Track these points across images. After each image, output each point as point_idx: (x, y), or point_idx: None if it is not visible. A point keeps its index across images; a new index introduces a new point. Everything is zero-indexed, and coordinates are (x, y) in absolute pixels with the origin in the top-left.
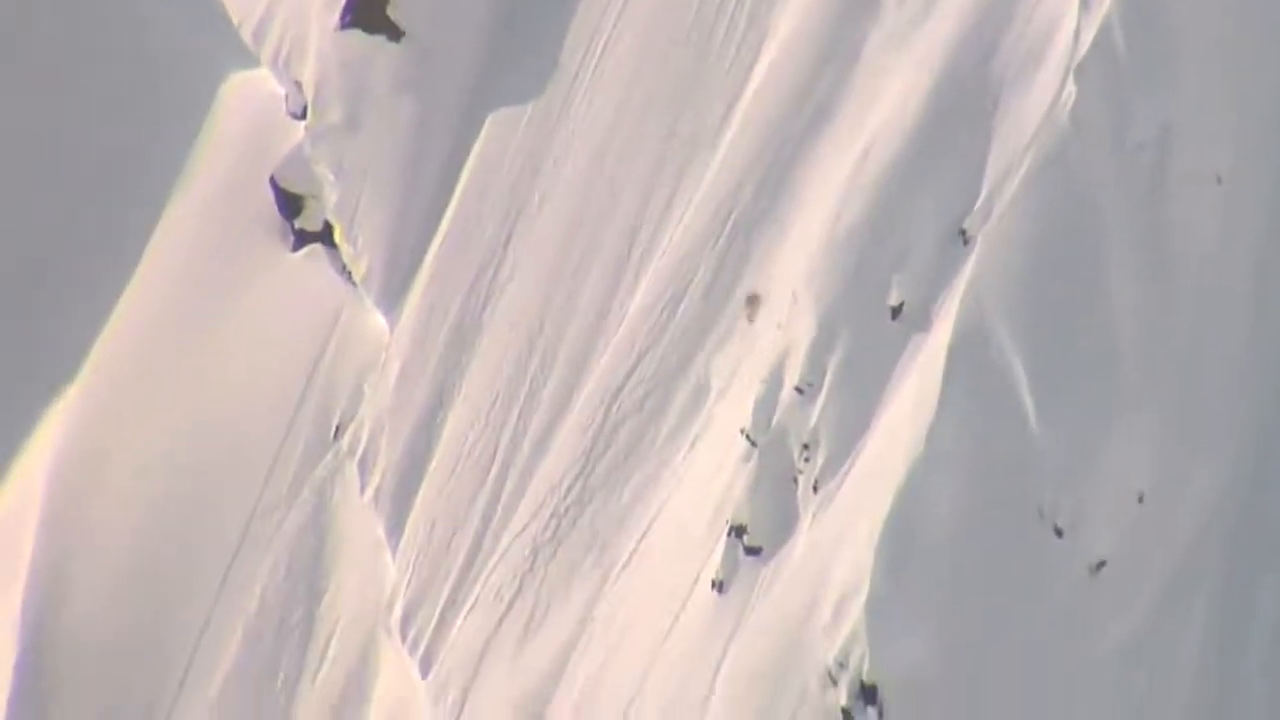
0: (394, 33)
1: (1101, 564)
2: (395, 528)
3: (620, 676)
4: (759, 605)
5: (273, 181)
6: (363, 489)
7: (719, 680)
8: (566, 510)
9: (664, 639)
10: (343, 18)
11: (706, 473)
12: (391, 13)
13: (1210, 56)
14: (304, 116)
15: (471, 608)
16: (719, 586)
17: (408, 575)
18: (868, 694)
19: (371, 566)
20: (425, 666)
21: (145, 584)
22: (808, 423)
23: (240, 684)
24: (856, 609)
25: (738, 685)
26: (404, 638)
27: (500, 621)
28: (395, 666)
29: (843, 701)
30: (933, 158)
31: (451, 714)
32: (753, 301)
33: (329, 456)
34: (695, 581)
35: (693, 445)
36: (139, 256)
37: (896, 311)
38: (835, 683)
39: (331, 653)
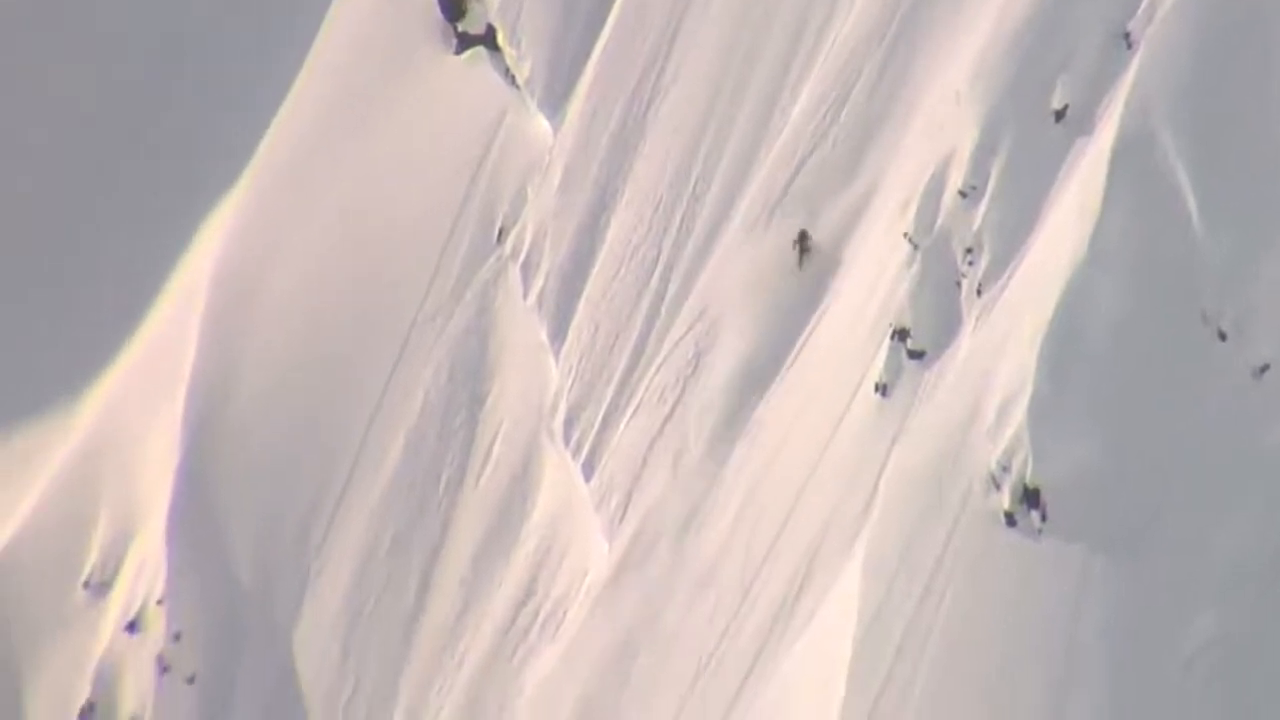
0: None
1: (1265, 368)
2: (558, 332)
3: (782, 480)
4: (922, 409)
5: None
6: (525, 293)
7: (881, 483)
8: None
9: (827, 443)
10: None
11: (869, 277)
12: None
13: None
14: None
15: (634, 412)
16: (882, 390)
17: (570, 379)
18: (1030, 497)
19: (534, 370)
20: (588, 471)
21: (307, 390)
22: (971, 226)
23: (402, 488)
24: (1019, 412)
25: (900, 488)
26: (567, 442)
27: (663, 425)
28: (558, 470)
29: (1006, 505)
30: None
31: (615, 518)
32: (914, 106)
33: (492, 260)
34: (858, 385)
35: (855, 250)
36: (301, 62)
37: (1060, 115)
38: (998, 486)
39: (494, 457)
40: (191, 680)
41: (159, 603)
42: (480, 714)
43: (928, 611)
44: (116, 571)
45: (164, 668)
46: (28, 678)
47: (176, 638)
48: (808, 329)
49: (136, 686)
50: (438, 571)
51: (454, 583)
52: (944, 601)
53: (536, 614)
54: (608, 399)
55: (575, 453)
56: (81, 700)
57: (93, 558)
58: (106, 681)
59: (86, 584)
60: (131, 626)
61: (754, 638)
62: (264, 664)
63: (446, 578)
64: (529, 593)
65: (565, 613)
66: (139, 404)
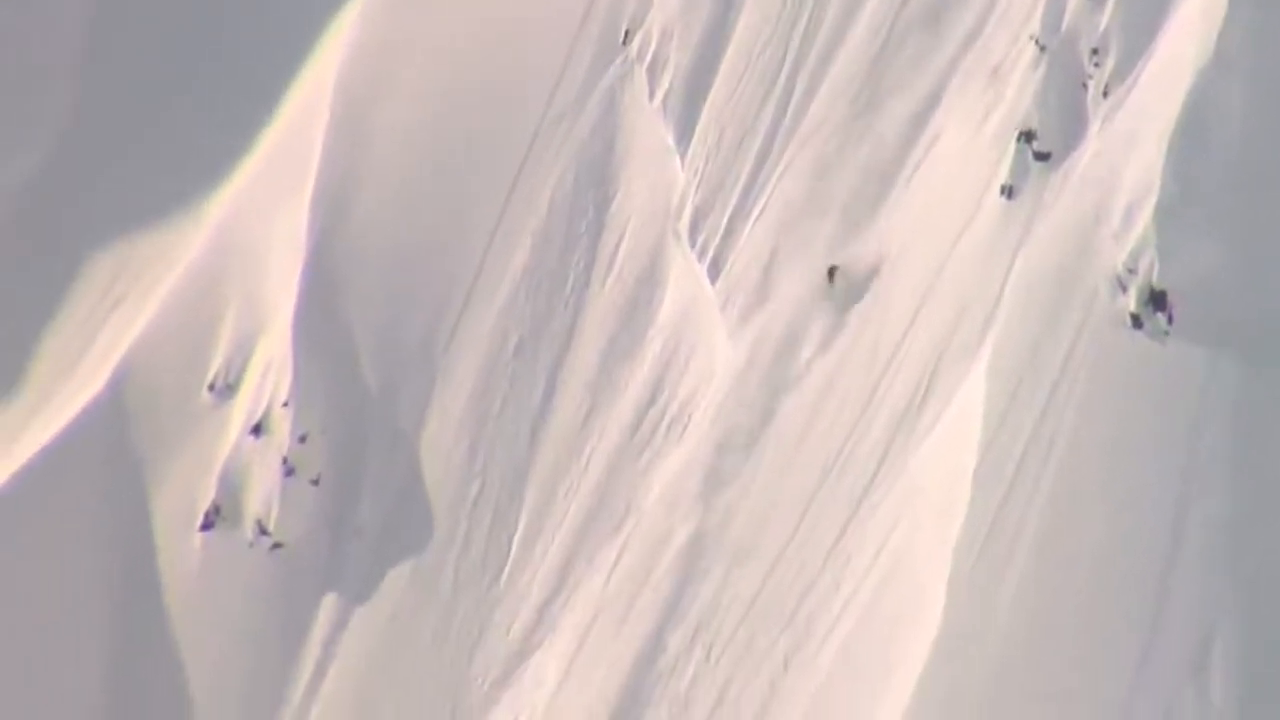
0: None
1: None
2: (684, 134)
3: (907, 284)
4: (1048, 210)
5: None
6: (651, 95)
7: (1007, 287)
8: (855, 116)
9: (951, 248)
10: None
11: (995, 78)
12: None
13: None
14: None
15: (760, 214)
16: (1008, 192)
17: (696, 181)
18: (1157, 299)
19: (660, 172)
20: (714, 273)
21: (432, 195)
22: (1097, 27)
23: (528, 291)
24: (1146, 214)
25: (1025, 292)
26: (692, 244)
27: (788, 228)
28: (683, 272)
29: (1132, 307)
30: None
31: (740, 321)
32: None
33: (618, 63)
34: (984, 189)
35: (979, 55)
36: None
37: None
38: (1124, 289)
39: (620, 259)
40: (316, 482)
41: (284, 405)
42: (607, 516)
43: (1053, 414)
44: (241, 374)
45: (289, 470)
46: (153, 481)
47: (302, 440)
48: (933, 132)
49: (261, 489)
50: (564, 374)
51: (580, 385)
52: (1069, 405)
53: (662, 416)
54: (733, 202)
55: (701, 255)
56: (207, 503)
57: (218, 360)
58: (231, 484)
59: (211, 387)
60: (256, 429)
61: (879, 443)
62: (389, 467)
63: (573, 380)
64: (655, 395)
65: (690, 415)
66: (266, 207)
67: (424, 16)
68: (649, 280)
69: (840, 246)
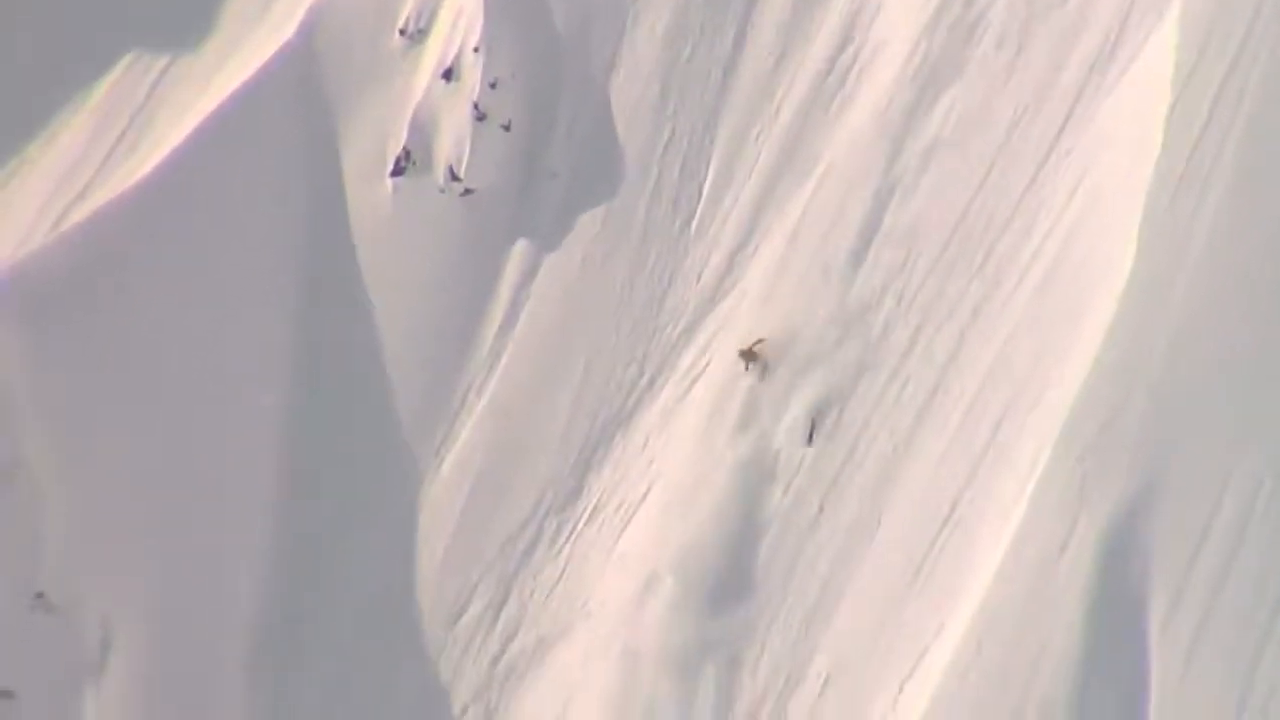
0: None
1: None
2: None
3: None
4: None
5: None
6: None
7: None
8: None
9: None
10: None
11: None
12: None
13: None
14: None
15: None
16: None
17: None
18: None
19: None
20: None
21: None
22: None
23: None
24: None
25: None
26: None
27: None
28: None
29: None
30: None
31: None
32: None
33: None
34: None
35: None
36: None
37: None
38: None
39: None
40: (507, 128)
41: (475, 50)
42: (797, 163)
43: (1244, 64)
44: (433, 19)
45: (480, 116)
46: (344, 127)
47: (493, 85)
48: None
49: (452, 135)
50: (754, 18)
51: (771, 28)
52: (1260, 55)
53: (854, 62)
54: None
55: None
56: (397, 149)
57: (410, 4)
58: (422, 129)
59: (403, 31)
60: (447, 74)
61: (1069, 91)
62: (580, 112)
63: (764, 23)
64: (845, 41)
65: (880, 62)
66: None
67: None
68: None
69: None
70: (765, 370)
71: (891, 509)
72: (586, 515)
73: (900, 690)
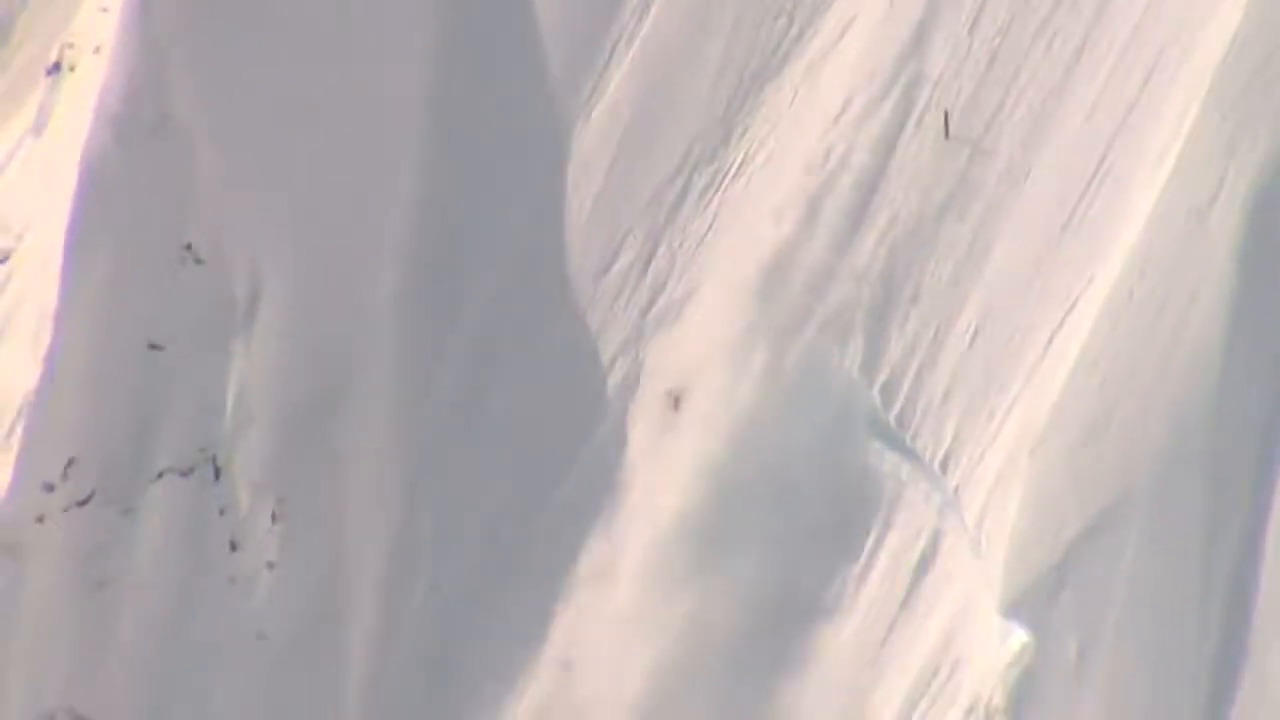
0: None
1: None
2: None
3: None
4: None
5: None
6: None
7: None
8: None
9: None
10: None
11: None
12: None
13: None
14: None
15: None
16: None
17: None
18: None
19: None
20: None
21: None
22: None
23: None
24: None
25: None
26: None
27: None
28: None
29: None
30: None
31: None
32: None
33: None
34: None
35: None
36: None
37: None
38: None
39: None
40: None
41: None
42: None
43: None
44: None
45: None
46: None
47: None
48: None
49: None
50: None
51: None
52: None
53: None
54: None
55: None
56: None
57: None
58: None
59: None
60: None
61: None
62: None
63: None
64: None
65: None
66: None
67: None
68: None
69: None
70: None
71: (1041, 160)
72: (734, 168)
73: (1050, 341)
